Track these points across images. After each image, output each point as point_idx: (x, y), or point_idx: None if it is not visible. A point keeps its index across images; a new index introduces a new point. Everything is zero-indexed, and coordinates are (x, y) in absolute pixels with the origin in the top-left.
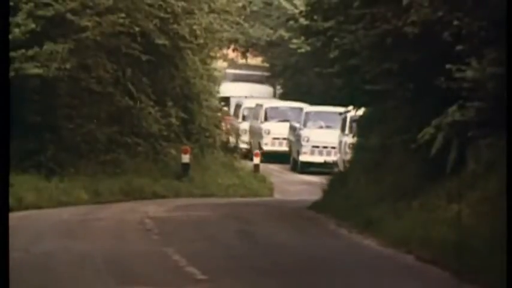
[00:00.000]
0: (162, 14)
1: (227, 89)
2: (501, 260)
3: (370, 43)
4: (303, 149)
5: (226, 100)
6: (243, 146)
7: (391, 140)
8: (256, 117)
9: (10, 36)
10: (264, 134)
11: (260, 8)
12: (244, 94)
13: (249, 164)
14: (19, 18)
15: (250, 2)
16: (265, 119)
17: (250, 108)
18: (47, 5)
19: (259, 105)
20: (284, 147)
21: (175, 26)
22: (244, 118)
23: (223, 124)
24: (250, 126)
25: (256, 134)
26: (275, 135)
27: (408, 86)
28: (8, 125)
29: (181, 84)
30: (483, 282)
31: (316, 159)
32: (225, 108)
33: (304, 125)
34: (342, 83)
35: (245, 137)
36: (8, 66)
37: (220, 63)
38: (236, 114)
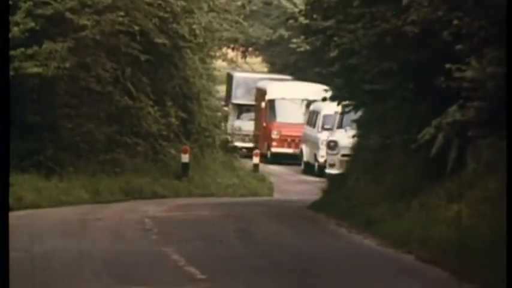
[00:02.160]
0: (161, 13)
1: (276, 89)
2: (501, 259)
3: (370, 42)
4: None
5: (271, 103)
6: (320, 160)
7: (391, 139)
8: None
9: (9, 35)
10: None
11: (260, 7)
12: (300, 96)
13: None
14: (18, 17)
15: (250, 1)
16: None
17: (331, 116)
18: (46, 3)
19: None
20: None
21: (174, 25)
22: (323, 128)
23: (275, 133)
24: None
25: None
26: None
27: (408, 86)
28: (8, 125)
29: (181, 84)
30: (483, 282)
31: None
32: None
33: None
34: (341, 82)
35: (323, 151)
36: (8, 65)
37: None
38: (310, 123)
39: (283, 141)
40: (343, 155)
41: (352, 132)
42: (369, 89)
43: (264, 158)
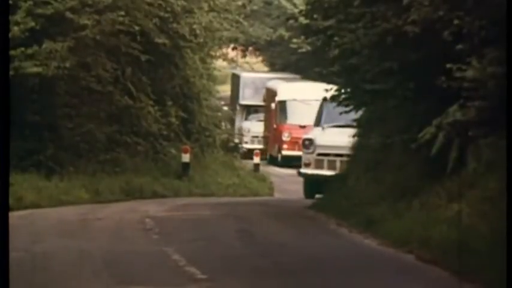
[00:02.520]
0: (161, 13)
1: (286, 90)
2: (501, 259)
3: (370, 42)
4: None
5: (282, 104)
6: None
7: (391, 139)
8: None
9: (9, 35)
10: None
11: (260, 7)
12: (312, 97)
13: None
14: (18, 16)
15: (250, 1)
16: None
17: None
18: (46, 3)
19: None
20: None
21: (175, 25)
22: None
23: (285, 135)
24: None
25: None
26: None
27: (408, 85)
28: (8, 125)
29: (181, 84)
30: (483, 282)
31: None
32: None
33: None
34: (342, 82)
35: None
36: (8, 65)
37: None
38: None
39: (294, 143)
40: (319, 154)
41: (331, 130)
42: (369, 89)
43: (275, 161)
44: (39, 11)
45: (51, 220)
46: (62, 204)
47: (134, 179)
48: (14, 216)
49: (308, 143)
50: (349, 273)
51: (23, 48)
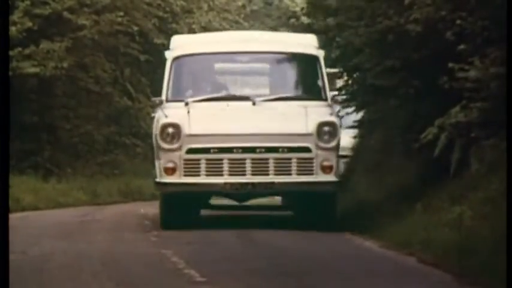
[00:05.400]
0: (160, 13)
1: None
2: (503, 262)
3: (372, 40)
4: None
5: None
6: None
7: (392, 140)
8: None
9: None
10: None
11: (260, 7)
12: None
13: None
14: (15, 16)
15: (250, 1)
16: None
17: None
18: (44, 3)
19: None
20: None
21: (174, 25)
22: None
23: None
24: None
25: None
26: None
27: (411, 83)
28: (7, 126)
29: None
30: (485, 285)
31: None
32: None
33: None
34: (343, 81)
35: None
36: (8, 65)
37: None
38: None
39: None
40: (190, 151)
41: (203, 107)
42: (371, 84)
43: None
44: (37, 11)
45: (49, 222)
46: (60, 206)
47: (133, 181)
48: (11, 218)
49: (172, 132)
50: (349, 275)
51: (20, 49)
